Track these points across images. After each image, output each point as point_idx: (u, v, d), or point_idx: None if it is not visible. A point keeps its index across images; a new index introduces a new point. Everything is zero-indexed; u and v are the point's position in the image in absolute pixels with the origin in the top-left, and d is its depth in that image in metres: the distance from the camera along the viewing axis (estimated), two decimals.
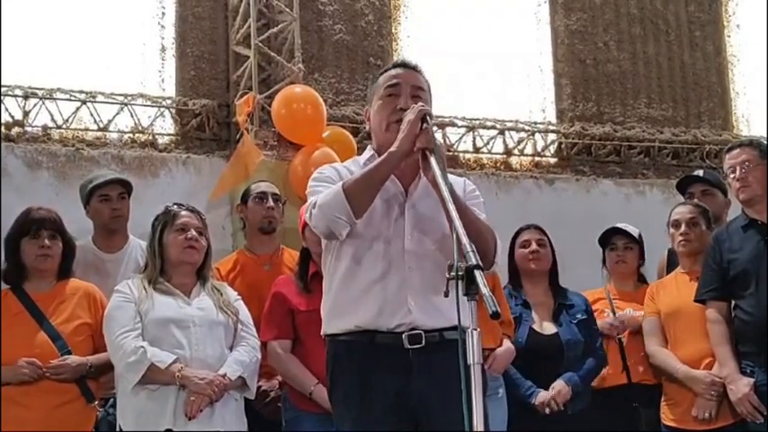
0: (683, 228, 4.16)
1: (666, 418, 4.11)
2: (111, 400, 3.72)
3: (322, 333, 2.84)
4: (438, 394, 2.57)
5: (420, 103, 2.72)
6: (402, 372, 2.64)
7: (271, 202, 4.39)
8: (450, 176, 2.83)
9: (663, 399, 4.15)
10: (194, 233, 3.60)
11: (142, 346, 3.39)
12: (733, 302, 3.88)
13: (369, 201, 2.66)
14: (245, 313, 3.70)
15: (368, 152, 2.91)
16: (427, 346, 2.64)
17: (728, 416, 3.88)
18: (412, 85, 2.83)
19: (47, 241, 3.72)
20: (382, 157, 2.68)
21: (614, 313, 4.43)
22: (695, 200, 4.43)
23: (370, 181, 2.65)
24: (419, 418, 2.64)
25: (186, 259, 3.60)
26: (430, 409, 2.62)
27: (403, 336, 2.64)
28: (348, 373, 2.72)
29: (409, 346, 2.63)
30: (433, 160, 2.59)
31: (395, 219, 2.75)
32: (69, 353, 3.61)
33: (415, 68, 2.91)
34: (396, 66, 2.93)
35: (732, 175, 3.88)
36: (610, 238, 4.57)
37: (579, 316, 4.17)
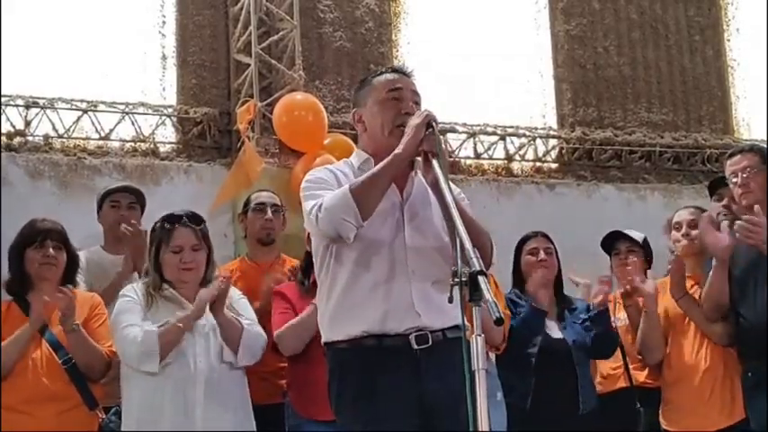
0: (683, 229, 4.18)
1: (666, 423, 4.10)
2: (114, 408, 3.72)
3: (323, 341, 2.83)
4: (447, 395, 2.59)
5: (426, 109, 2.75)
6: (411, 373, 2.66)
7: (269, 214, 4.38)
8: None
9: (662, 404, 4.15)
10: (189, 255, 3.56)
11: (148, 329, 3.40)
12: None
13: (375, 202, 2.67)
14: (248, 311, 3.69)
15: (359, 155, 2.92)
16: (433, 345, 2.67)
17: (729, 417, 3.89)
18: (412, 91, 2.86)
19: (51, 251, 3.72)
20: (388, 158, 2.68)
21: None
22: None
23: (377, 182, 2.66)
24: (430, 419, 2.65)
25: (182, 280, 3.58)
26: (440, 410, 2.64)
27: (410, 337, 2.66)
28: (356, 379, 2.72)
29: (417, 347, 2.65)
30: (435, 164, 2.60)
31: (395, 222, 2.77)
32: (70, 360, 3.61)
33: (411, 75, 2.93)
34: (393, 71, 2.94)
35: (734, 181, 3.89)
36: (613, 243, 4.57)
37: (582, 316, 4.19)
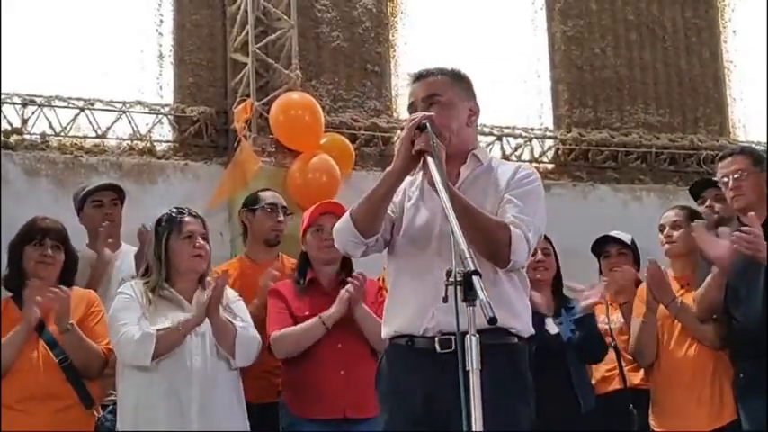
0: (666, 231, 4.21)
1: (656, 424, 4.11)
2: (110, 406, 3.72)
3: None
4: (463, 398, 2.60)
5: (414, 114, 2.76)
6: (431, 375, 2.67)
7: (281, 216, 4.34)
8: (502, 164, 2.96)
9: (651, 406, 4.16)
10: (201, 241, 3.60)
11: (147, 331, 3.41)
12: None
13: (375, 220, 2.77)
14: (244, 313, 3.69)
15: None
16: (456, 349, 2.67)
17: (718, 418, 3.90)
18: (423, 98, 2.86)
19: (50, 250, 3.73)
20: (381, 177, 2.77)
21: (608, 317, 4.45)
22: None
23: (372, 203, 2.76)
24: (445, 422, 2.65)
25: (195, 268, 3.58)
26: (455, 415, 2.64)
27: (435, 339, 2.69)
28: (386, 375, 2.84)
29: (440, 350, 2.67)
30: (432, 163, 2.59)
31: (437, 223, 2.77)
32: (67, 359, 3.62)
33: (422, 76, 2.93)
34: (413, 79, 2.96)
35: (724, 182, 3.90)
36: (603, 246, 4.59)
37: (577, 315, 4.19)
